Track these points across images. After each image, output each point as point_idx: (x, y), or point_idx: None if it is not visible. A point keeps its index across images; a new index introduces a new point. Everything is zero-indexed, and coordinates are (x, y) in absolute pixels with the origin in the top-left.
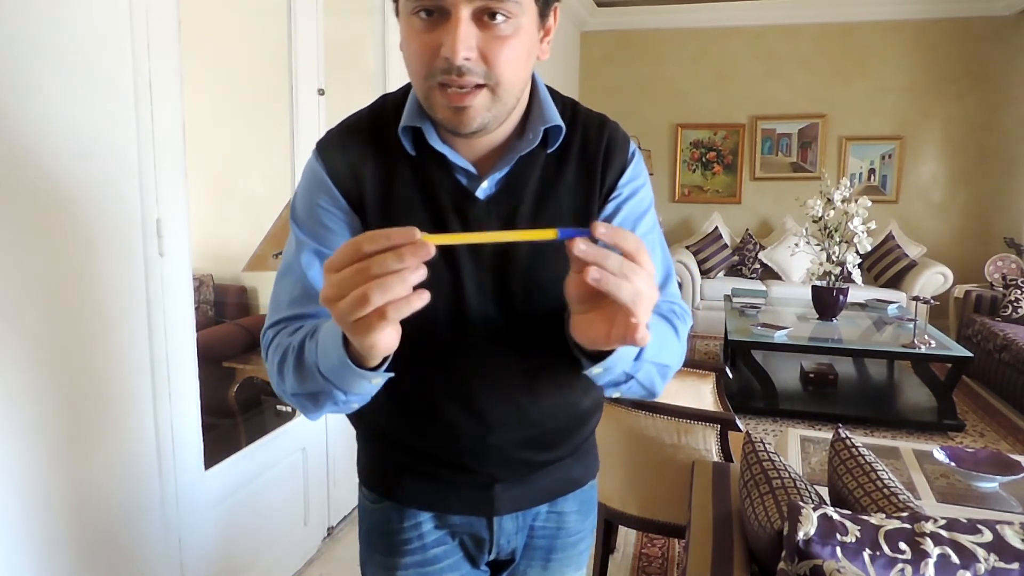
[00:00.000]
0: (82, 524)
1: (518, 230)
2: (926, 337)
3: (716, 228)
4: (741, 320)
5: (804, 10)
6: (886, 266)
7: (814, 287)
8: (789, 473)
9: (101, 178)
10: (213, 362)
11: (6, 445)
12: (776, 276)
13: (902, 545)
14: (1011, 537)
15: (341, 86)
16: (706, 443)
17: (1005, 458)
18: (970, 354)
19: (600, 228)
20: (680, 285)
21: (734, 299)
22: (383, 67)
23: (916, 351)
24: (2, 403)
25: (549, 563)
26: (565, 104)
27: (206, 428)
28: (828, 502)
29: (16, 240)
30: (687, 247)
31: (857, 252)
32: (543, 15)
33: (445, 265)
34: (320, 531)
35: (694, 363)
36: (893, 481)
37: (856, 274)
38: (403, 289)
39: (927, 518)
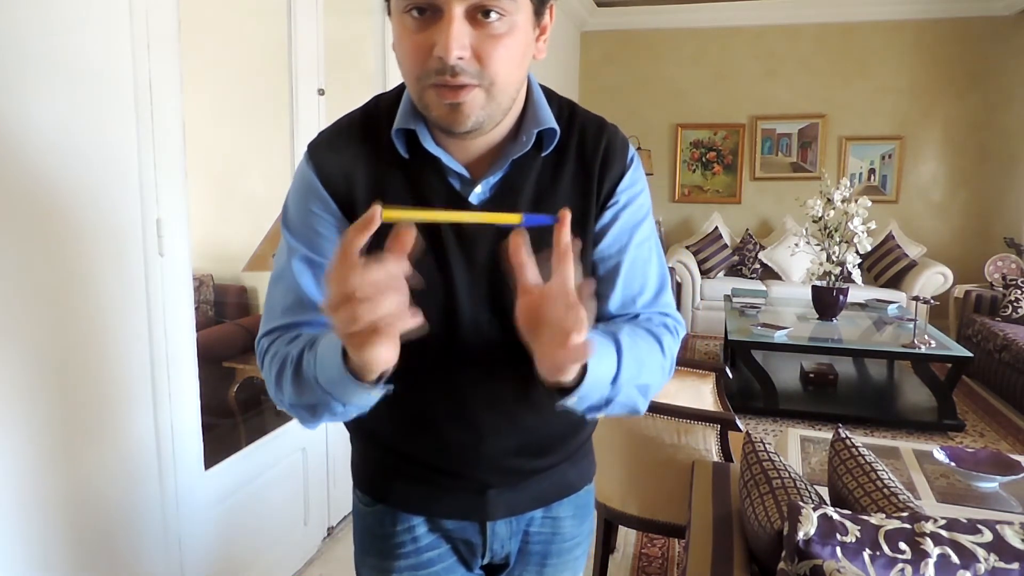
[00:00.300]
0: (82, 524)
1: (484, 213)
2: (926, 337)
3: (716, 228)
4: (741, 320)
5: (804, 10)
6: (886, 266)
7: (814, 287)
8: (789, 473)
9: (101, 178)
10: (213, 362)
11: (6, 445)
12: (776, 276)
13: (902, 545)
14: (1011, 537)
15: (341, 86)
16: (706, 443)
17: (1005, 458)
18: (970, 354)
19: (567, 218)
20: (680, 286)
21: (734, 299)
22: (383, 67)
23: (916, 351)
24: (2, 403)
25: (544, 568)
26: (562, 105)
27: (206, 428)
28: (828, 502)
29: (16, 240)
30: (687, 247)
31: (857, 252)
32: (538, 13)
33: (438, 272)
34: (320, 531)
35: (694, 363)
36: (893, 481)
37: (856, 274)
38: (376, 315)
39: (927, 518)
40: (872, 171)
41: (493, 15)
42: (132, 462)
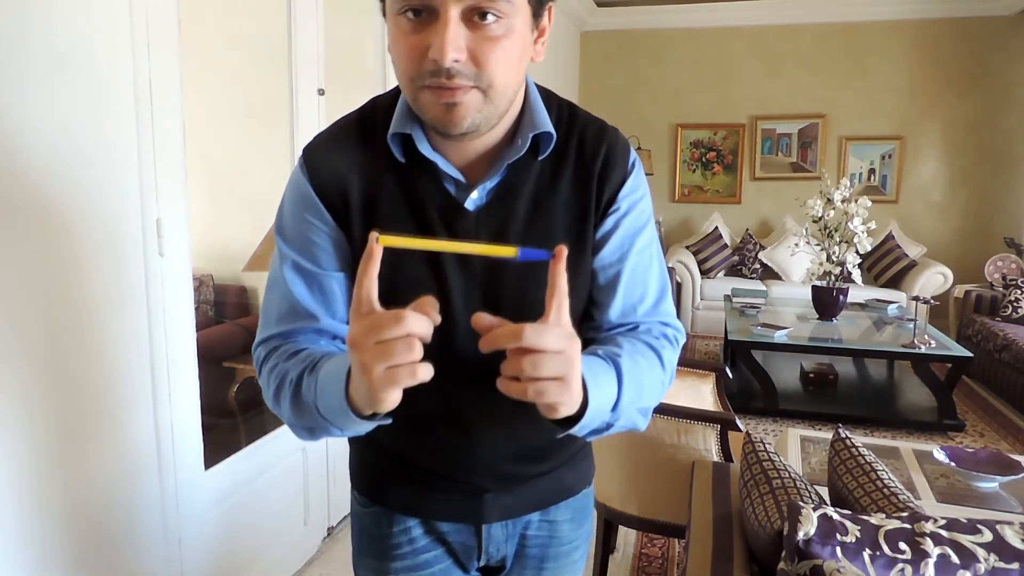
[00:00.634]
0: (82, 524)
1: (480, 244)
2: (926, 337)
3: (716, 228)
4: (741, 320)
5: (804, 10)
6: (886, 266)
7: (814, 287)
8: (789, 473)
9: (101, 178)
10: (213, 362)
11: (6, 445)
12: (776, 276)
13: (902, 545)
14: (1011, 537)
15: (341, 86)
16: (706, 443)
17: (1005, 458)
18: (970, 354)
19: (563, 255)
20: (680, 286)
21: (734, 299)
22: (383, 67)
23: (916, 351)
24: (2, 403)
25: (542, 571)
26: (561, 107)
27: (206, 428)
28: (828, 502)
29: (16, 240)
30: (687, 247)
31: (857, 252)
32: (536, 15)
33: (433, 280)
34: (320, 531)
35: (694, 363)
36: (893, 481)
37: (856, 274)
38: (412, 356)
39: (927, 518)
40: (872, 171)
41: (490, 17)
42: (132, 462)
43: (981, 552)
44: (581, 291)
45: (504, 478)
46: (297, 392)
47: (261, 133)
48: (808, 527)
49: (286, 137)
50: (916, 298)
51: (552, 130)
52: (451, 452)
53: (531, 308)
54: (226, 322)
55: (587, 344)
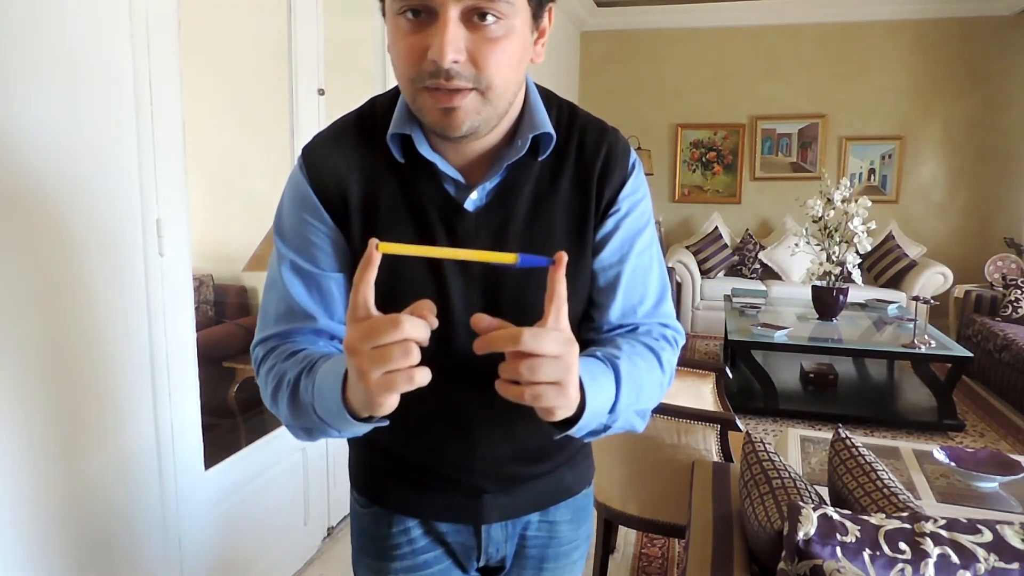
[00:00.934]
0: (82, 524)
1: (480, 251)
2: (926, 337)
3: (716, 228)
4: (741, 320)
5: (804, 10)
6: (886, 266)
7: (814, 287)
8: (789, 473)
9: (101, 178)
10: (213, 362)
11: (6, 445)
12: (776, 276)
13: (902, 545)
14: (1011, 537)
15: (341, 86)
16: (706, 443)
17: (1005, 458)
18: (970, 354)
19: (563, 261)
20: (680, 286)
21: (734, 299)
22: (383, 67)
23: (916, 351)
24: (2, 403)
25: (542, 572)
26: (561, 108)
27: (206, 428)
28: (828, 502)
29: (16, 240)
30: (687, 247)
31: (857, 252)
32: (536, 16)
33: (432, 282)
34: (320, 531)
35: (694, 363)
36: (893, 481)
37: (856, 274)
38: (409, 361)
39: (927, 518)
40: (872, 171)
41: (490, 18)
42: (132, 462)
43: (981, 552)
44: (581, 293)
45: (503, 478)
46: (295, 393)
47: (261, 133)
48: (808, 527)
49: (286, 137)
50: (916, 298)
51: (552, 131)
52: (450, 453)
53: (531, 310)
54: (226, 322)
55: (586, 345)
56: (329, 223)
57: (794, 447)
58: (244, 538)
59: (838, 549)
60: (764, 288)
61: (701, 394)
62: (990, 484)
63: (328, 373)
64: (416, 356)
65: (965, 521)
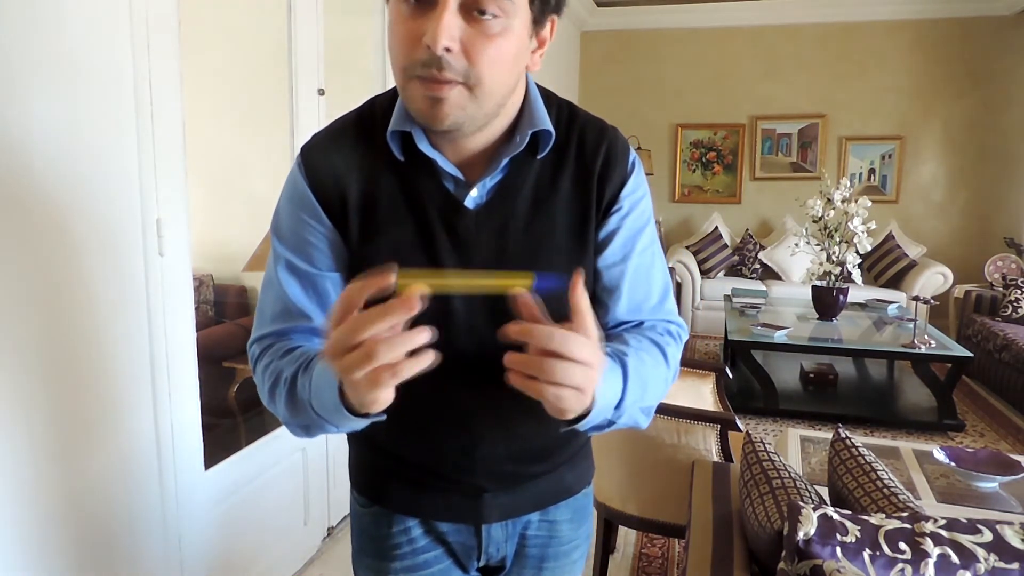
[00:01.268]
0: (82, 524)
1: (494, 278)
2: (926, 337)
3: (716, 228)
4: (741, 320)
5: (804, 10)
6: (886, 266)
7: (814, 287)
8: (789, 473)
9: (101, 178)
10: (213, 362)
11: (6, 445)
12: (776, 276)
13: (902, 545)
14: (1011, 537)
15: (341, 86)
16: (706, 443)
17: (1005, 458)
18: (970, 354)
19: (579, 280)
20: (680, 285)
21: (734, 299)
22: (383, 67)
23: (916, 351)
24: (2, 403)
25: (542, 571)
26: (561, 107)
27: (206, 428)
28: (828, 502)
29: (16, 240)
30: (687, 247)
31: (857, 252)
32: (538, 22)
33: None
34: (320, 531)
35: (694, 363)
36: (893, 481)
37: (856, 274)
38: (394, 355)
39: (927, 518)
40: (872, 171)
41: (488, 13)
42: (132, 462)
43: (981, 552)
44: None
45: (503, 478)
46: (292, 391)
47: (261, 133)
48: (808, 527)
49: (286, 137)
50: (916, 298)
51: (551, 128)
52: (450, 452)
53: None
54: (226, 322)
55: None
56: (327, 223)
57: (794, 447)
58: (244, 538)
59: (838, 549)
60: (764, 288)
61: (701, 394)
62: (990, 484)
63: (324, 370)
64: (400, 348)
65: (965, 521)
